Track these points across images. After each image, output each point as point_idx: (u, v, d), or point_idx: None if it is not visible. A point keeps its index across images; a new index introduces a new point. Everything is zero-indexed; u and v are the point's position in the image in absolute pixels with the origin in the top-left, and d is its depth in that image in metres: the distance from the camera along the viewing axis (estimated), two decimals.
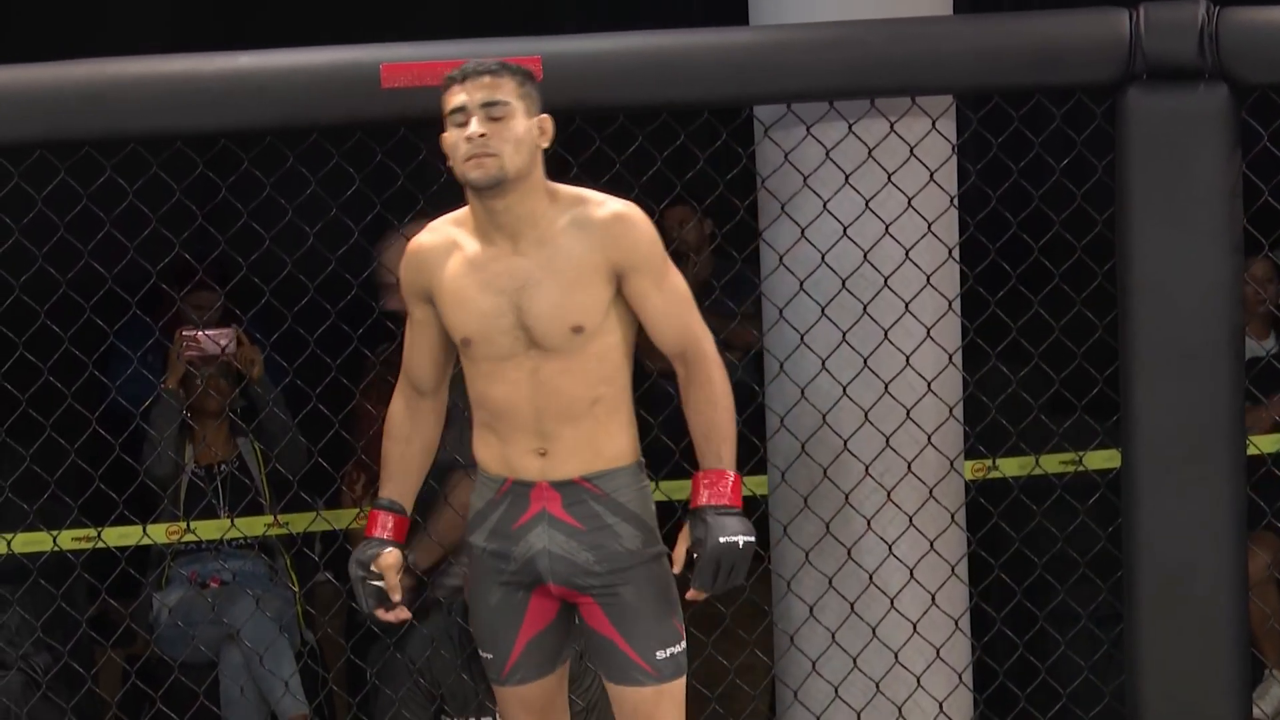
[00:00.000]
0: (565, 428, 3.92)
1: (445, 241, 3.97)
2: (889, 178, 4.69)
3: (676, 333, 3.96)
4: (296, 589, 5.63)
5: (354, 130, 4.50)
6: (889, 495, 4.81)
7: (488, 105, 3.86)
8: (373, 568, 4.02)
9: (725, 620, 4.86)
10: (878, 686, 4.85)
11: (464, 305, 3.93)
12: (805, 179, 4.72)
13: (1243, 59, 4.38)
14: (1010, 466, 5.31)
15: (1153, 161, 4.41)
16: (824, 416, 4.80)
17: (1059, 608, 5.19)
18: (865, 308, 4.75)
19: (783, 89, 4.51)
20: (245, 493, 5.69)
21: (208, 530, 5.49)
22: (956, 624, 4.89)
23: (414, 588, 4.85)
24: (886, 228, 4.71)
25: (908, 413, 4.78)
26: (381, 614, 4.04)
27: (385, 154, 4.59)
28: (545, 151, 3.93)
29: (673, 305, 3.95)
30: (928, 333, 4.78)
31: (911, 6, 4.69)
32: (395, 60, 4.37)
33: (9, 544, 4.91)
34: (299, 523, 5.36)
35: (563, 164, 4.25)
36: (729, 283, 5.99)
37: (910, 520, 4.81)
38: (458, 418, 4.23)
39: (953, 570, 4.87)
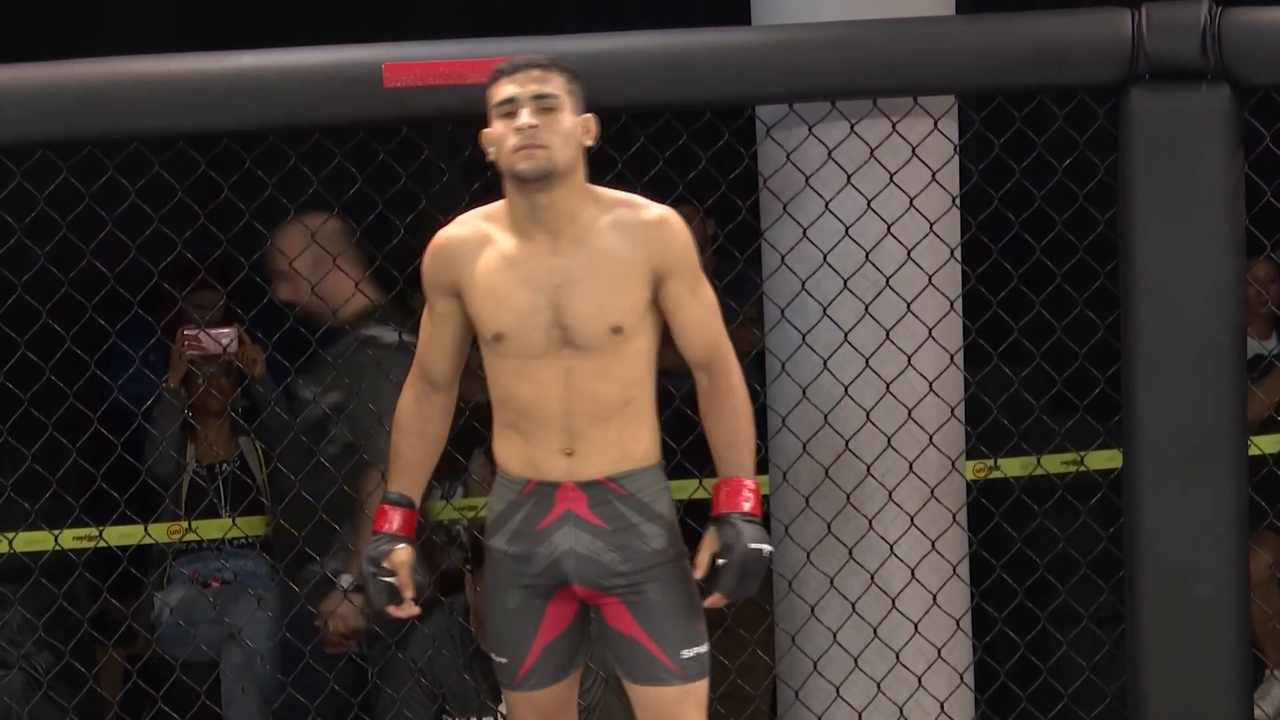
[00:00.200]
0: (594, 428, 3.91)
1: (477, 235, 3.95)
2: (891, 178, 4.69)
3: (705, 342, 3.98)
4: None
5: (356, 130, 4.50)
6: (890, 495, 4.81)
7: (539, 98, 3.85)
8: (384, 564, 4.01)
9: (727, 620, 4.85)
10: (879, 686, 4.84)
11: (499, 300, 3.91)
12: (807, 179, 4.72)
13: (1245, 59, 4.38)
14: (1012, 466, 5.31)
15: (1155, 162, 4.41)
16: (825, 416, 4.80)
17: (1060, 608, 5.18)
18: (867, 308, 4.75)
19: (785, 89, 4.51)
20: (247, 492, 5.69)
21: (209, 530, 5.49)
22: (958, 624, 4.89)
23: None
24: (888, 228, 4.71)
25: (909, 413, 4.78)
26: (393, 610, 4.03)
27: (387, 154, 4.59)
28: (588, 150, 3.93)
29: (705, 314, 3.97)
30: (929, 333, 4.78)
31: (914, 6, 4.69)
32: (397, 60, 4.37)
33: (10, 543, 4.91)
34: None
35: None
36: (730, 283, 5.97)
37: (912, 520, 4.81)
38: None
39: (954, 570, 4.87)
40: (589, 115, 3.93)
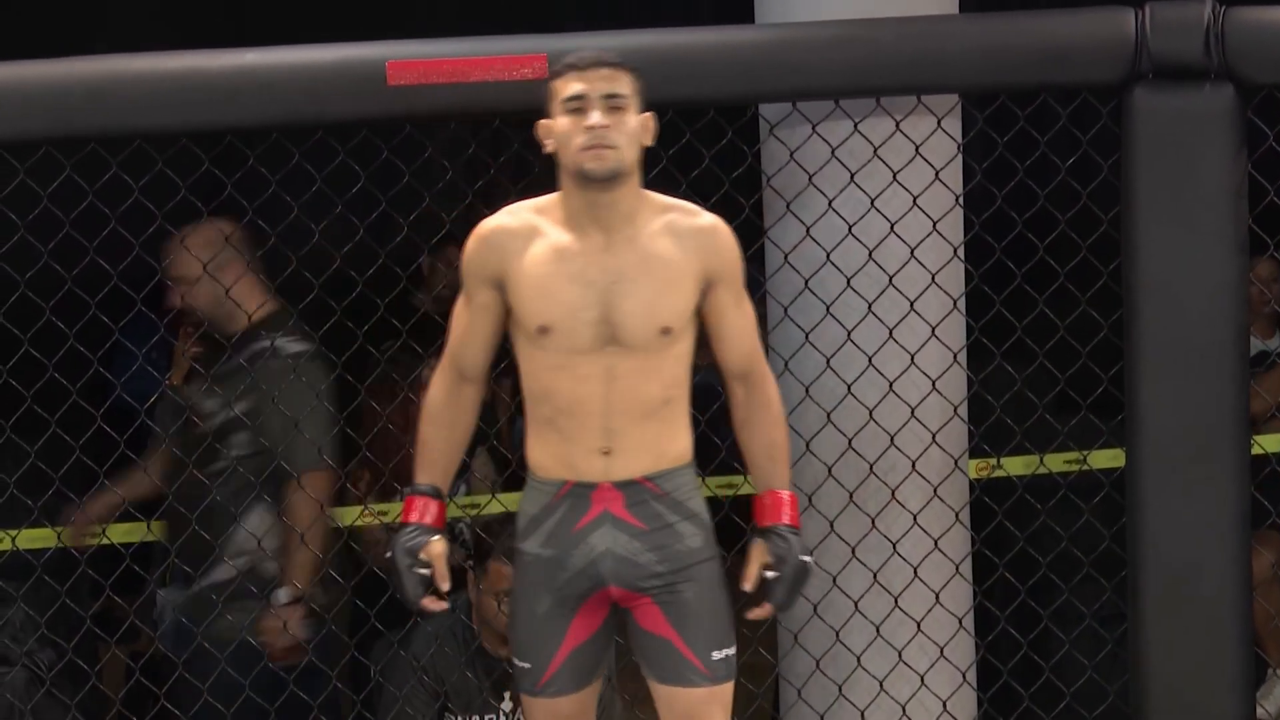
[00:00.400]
0: (633, 426, 3.91)
1: (526, 226, 3.94)
2: (894, 176, 4.69)
3: (745, 352, 4.01)
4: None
5: (359, 128, 4.50)
6: (893, 494, 4.81)
7: (610, 97, 3.86)
8: (421, 555, 3.98)
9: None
10: (881, 685, 4.85)
11: (547, 294, 3.90)
12: (810, 177, 4.72)
13: (1248, 59, 4.38)
14: (1015, 465, 5.31)
15: (1158, 161, 4.41)
16: (828, 415, 4.80)
17: (1063, 607, 5.19)
18: (870, 306, 4.75)
19: (788, 87, 4.51)
20: None
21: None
22: (960, 623, 4.89)
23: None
24: (891, 226, 4.71)
25: (912, 411, 4.78)
26: (427, 603, 4.00)
27: (391, 151, 4.59)
28: (645, 150, 3.95)
29: (747, 325, 4.01)
30: (932, 331, 4.78)
31: (917, 5, 4.69)
32: (400, 58, 4.37)
33: (13, 540, 4.91)
34: None
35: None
36: None
37: (914, 519, 4.81)
38: None
39: (957, 569, 4.88)
40: (648, 114, 3.94)
